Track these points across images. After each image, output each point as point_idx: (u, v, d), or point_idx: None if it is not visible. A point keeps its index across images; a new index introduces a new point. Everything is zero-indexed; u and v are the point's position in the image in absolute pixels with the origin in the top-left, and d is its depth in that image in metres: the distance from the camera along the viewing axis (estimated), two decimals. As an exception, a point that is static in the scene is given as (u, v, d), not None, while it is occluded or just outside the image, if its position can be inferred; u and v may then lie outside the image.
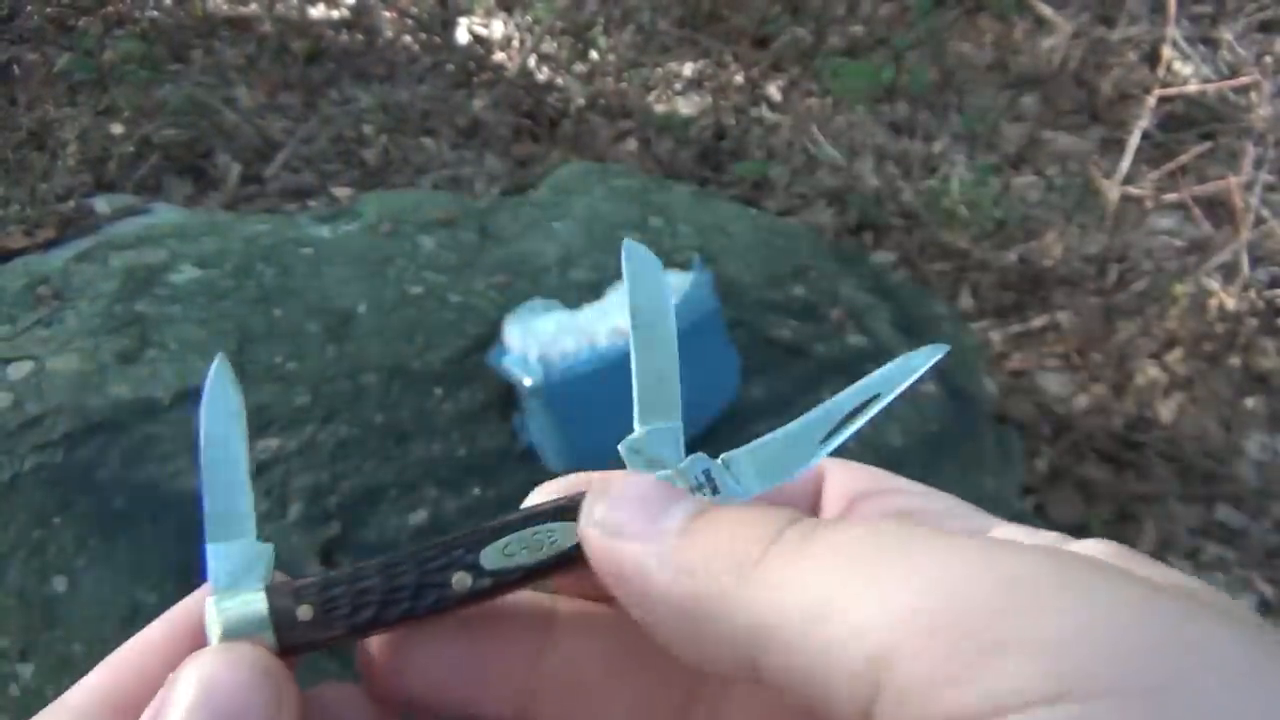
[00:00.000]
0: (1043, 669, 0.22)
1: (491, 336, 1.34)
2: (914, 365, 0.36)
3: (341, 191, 2.24)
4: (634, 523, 0.29)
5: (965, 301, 2.31)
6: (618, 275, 1.47)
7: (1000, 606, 0.23)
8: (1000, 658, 0.22)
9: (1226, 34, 2.94)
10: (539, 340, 1.28)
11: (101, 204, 1.80)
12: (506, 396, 1.28)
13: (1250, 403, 2.14)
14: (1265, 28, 3.07)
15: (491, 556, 0.32)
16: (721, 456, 0.34)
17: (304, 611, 0.32)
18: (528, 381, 1.23)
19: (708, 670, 0.28)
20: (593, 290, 1.44)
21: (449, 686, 0.33)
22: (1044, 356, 2.22)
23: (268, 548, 0.33)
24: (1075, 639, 0.22)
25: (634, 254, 0.35)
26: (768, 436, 0.34)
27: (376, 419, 1.23)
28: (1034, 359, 2.21)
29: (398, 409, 1.24)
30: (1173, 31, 2.58)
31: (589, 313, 1.34)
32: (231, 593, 0.32)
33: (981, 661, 0.22)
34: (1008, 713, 0.22)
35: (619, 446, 0.34)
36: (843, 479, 0.35)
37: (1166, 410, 2.10)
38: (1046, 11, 3.09)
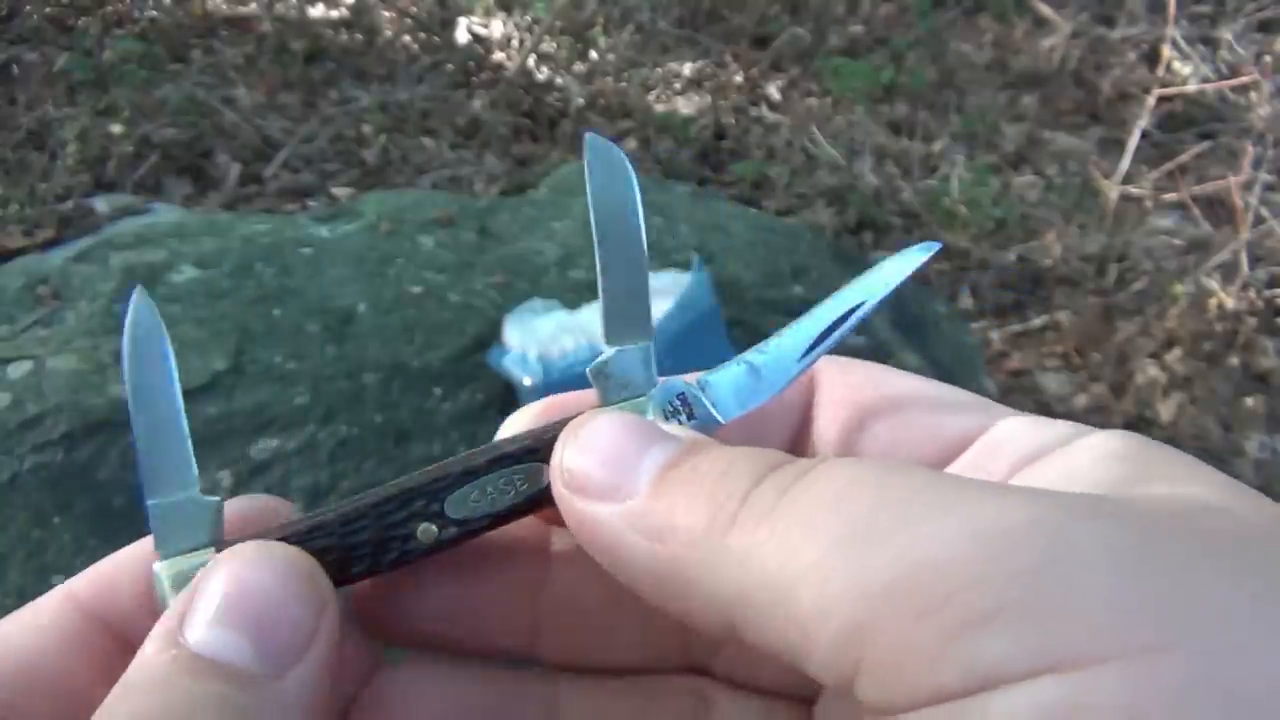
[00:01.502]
0: (1027, 641, 0.20)
1: (491, 336, 1.34)
2: (900, 268, 0.32)
3: (341, 191, 2.24)
4: (603, 477, 0.27)
5: (965, 301, 2.31)
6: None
7: (979, 573, 0.21)
8: (981, 630, 0.20)
9: (1226, 34, 2.94)
10: (538, 339, 1.28)
11: (101, 204, 1.80)
12: (506, 395, 1.28)
13: (1250, 402, 2.14)
14: (1264, 27, 3.07)
15: (457, 504, 0.30)
16: (697, 377, 0.31)
17: None
18: (527, 380, 1.23)
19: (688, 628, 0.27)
20: (592, 290, 1.44)
21: (447, 623, 0.32)
22: (1044, 356, 2.22)
23: (213, 502, 0.29)
24: (1062, 604, 0.20)
25: (598, 150, 0.30)
26: (745, 354, 0.32)
27: (376, 418, 1.23)
28: (1034, 358, 2.21)
29: (397, 408, 1.24)
30: (1172, 31, 2.59)
31: (588, 312, 1.34)
32: (179, 556, 0.29)
33: (962, 635, 0.21)
34: (991, 689, 0.20)
35: (586, 371, 0.31)
36: (837, 382, 0.33)
37: (1166, 410, 2.10)
38: (1046, 11, 3.09)
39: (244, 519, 0.30)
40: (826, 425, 0.32)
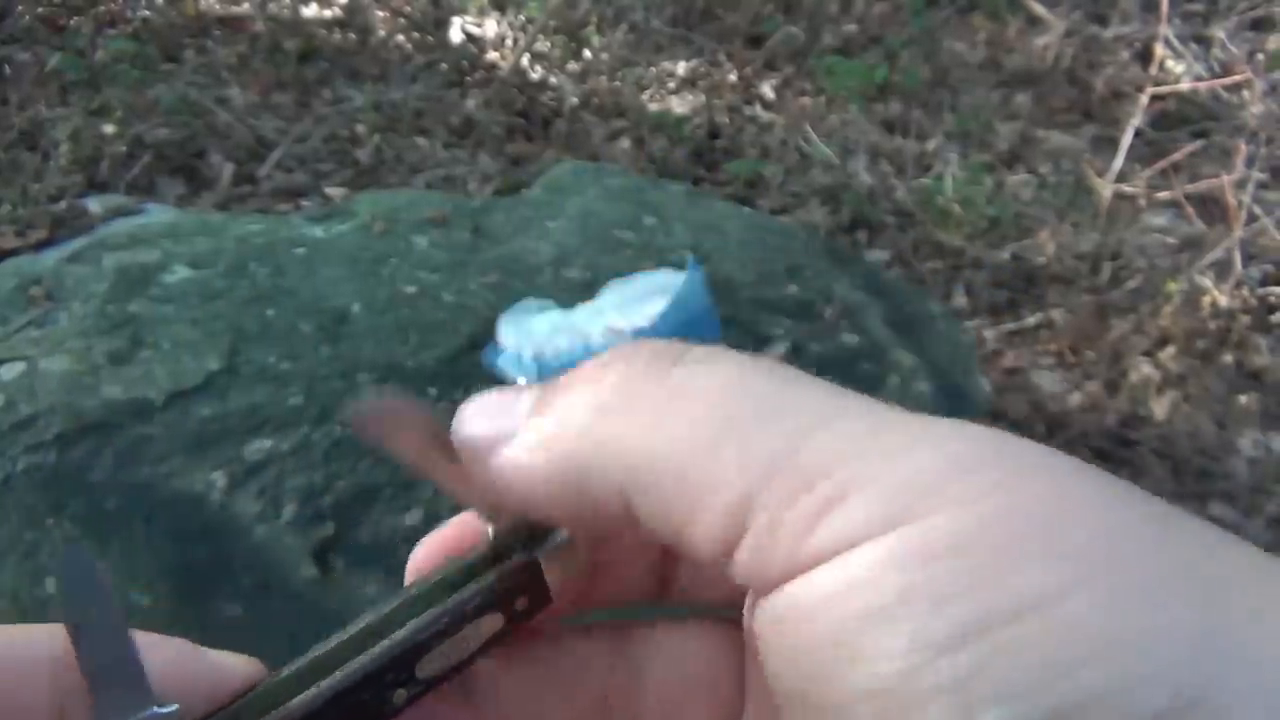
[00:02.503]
0: (883, 507, 0.23)
1: (485, 336, 1.34)
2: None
3: (335, 191, 2.23)
4: (490, 428, 0.29)
5: (959, 300, 2.32)
6: (612, 274, 1.47)
7: (850, 454, 0.24)
8: (846, 502, 0.23)
9: (1219, 32, 2.95)
10: (533, 339, 1.28)
11: (94, 204, 1.80)
12: (501, 396, 1.28)
13: (1243, 400, 2.14)
14: (1257, 26, 3.08)
15: (424, 666, 0.30)
16: None
17: None
18: (521, 381, 1.23)
19: (598, 534, 0.29)
20: (586, 289, 1.44)
21: None
22: (1038, 354, 2.22)
23: (173, 710, 0.28)
24: (912, 478, 0.23)
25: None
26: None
27: (370, 419, 1.23)
28: (1028, 357, 2.21)
29: (392, 409, 1.24)
30: (1165, 30, 2.59)
31: (583, 312, 1.34)
32: None
33: (830, 508, 0.23)
34: (852, 546, 0.23)
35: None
36: None
37: (1160, 408, 2.10)
38: (1039, 9, 3.10)
39: (203, 683, 0.30)
40: None
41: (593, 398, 0.27)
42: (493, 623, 0.30)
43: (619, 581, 0.34)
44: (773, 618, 0.25)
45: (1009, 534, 0.22)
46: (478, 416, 0.30)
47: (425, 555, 0.33)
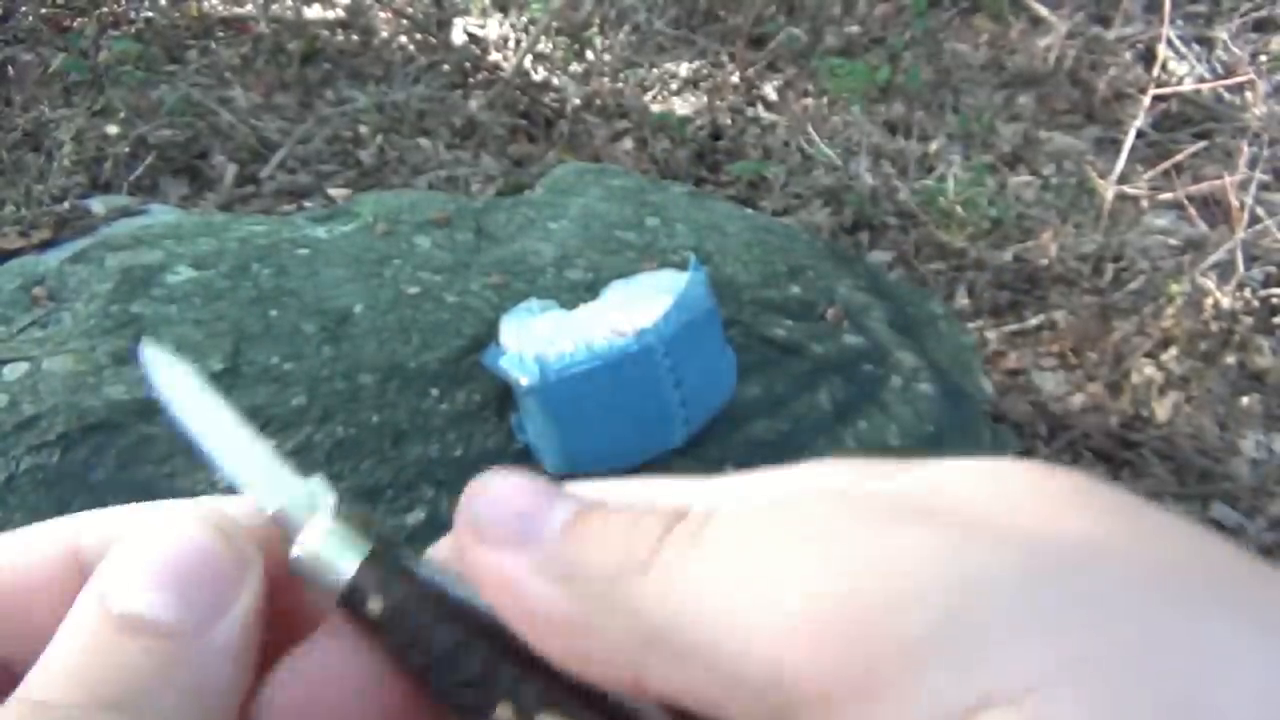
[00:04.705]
0: (977, 680, 0.19)
1: (488, 336, 1.34)
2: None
3: (337, 192, 2.24)
4: (514, 527, 0.26)
5: (961, 301, 2.32)
6: (614, 275, 1.47)
7: (900, 601, 0.20)
8: (924, 666, 0.19)
9: (1221, 33, 2.95)
10: (535, 340, 1.28)
11: (97, 205, 1.80)
12: (504, 396, 1.28)
13: (1246, 401, 2.14)
14: (1259, 27, 3.08)
15: None
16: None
17: (374, 604, 0.26)
18: (524, 381, 1.23)
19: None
20: (589, 290, 1.44)
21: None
22: (1040, 355, 2.22)
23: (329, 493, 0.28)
24: (988, 637, 0.19)
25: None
26: None
27: (373, 419, 1.23)
28: (1030, 358, 2.21)
29: (394, 409, 1.24)
30: (1168, 31, 2.59)
31: (585, 312, 1.34)
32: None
33: (898, 672, 0.19)
34: None
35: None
36: None
37: (1162, 409, 2.10)
38: (1042, 11, 3.10)
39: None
40: None
41: (620, 549, 0.24)
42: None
43: None
44: None
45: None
46: (502, 504, 0.27)
47: None
